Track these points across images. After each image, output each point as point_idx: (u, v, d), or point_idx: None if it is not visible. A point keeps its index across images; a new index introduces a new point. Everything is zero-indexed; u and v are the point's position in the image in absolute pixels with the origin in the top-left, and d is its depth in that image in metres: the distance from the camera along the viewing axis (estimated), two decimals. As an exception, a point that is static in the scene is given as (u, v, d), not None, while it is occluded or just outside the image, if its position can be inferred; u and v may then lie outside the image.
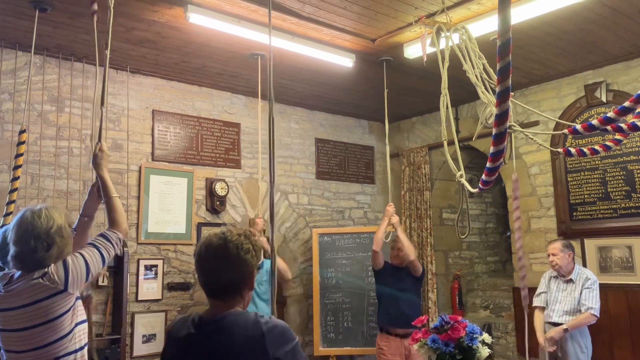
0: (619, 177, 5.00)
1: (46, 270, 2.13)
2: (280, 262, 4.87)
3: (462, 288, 6.57)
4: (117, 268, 4.62)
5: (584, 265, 5.03)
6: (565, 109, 5.34)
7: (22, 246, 2.14)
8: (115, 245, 2.33)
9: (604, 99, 5.05)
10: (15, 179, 3.49)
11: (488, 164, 2.12)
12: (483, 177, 2.19)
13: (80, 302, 2.24)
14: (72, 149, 4.60)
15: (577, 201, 5.25)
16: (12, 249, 2.16)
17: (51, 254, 2.16)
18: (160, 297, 4.94)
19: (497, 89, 1.96)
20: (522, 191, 5.70)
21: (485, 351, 2.78)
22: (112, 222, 2.40)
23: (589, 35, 4.44)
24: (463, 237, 3.34)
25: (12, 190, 3.46)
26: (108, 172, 2.53)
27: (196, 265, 1.86)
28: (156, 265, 4.96)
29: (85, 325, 2.27)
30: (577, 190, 5.25)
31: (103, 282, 4.55)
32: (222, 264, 1.80)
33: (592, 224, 5.12)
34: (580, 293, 4.27)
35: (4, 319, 2.13)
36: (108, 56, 2.72)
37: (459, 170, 2.92)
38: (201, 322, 1.78)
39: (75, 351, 2.18)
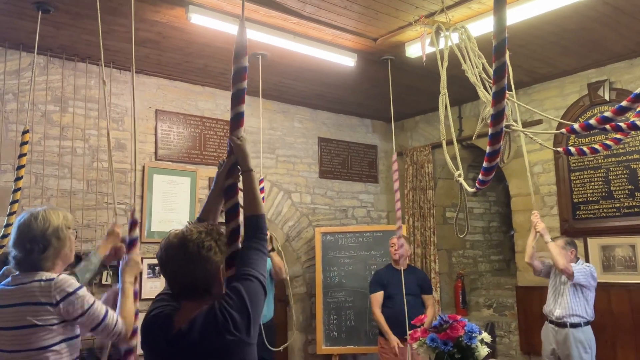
0: (622, 176, 4.98)
1: (54, 276, 2.12)
2: (276, 259, 4.85)
3: (466, 287, 6.56)
4: (120, 267, 4.65)
5: (587, 264, 5.02)
6: (568, 108, 5.33)
7: (19, 249, 2.16)
8: (114, 332, 2.19)
9: (607, 98, 5.03)
10: (18, 178, 3.51)
11: (484, 164, 2.12)
12: (480, 176, 2.20)
13: (72, 323, 2.17)
14: (76, 148, 4.63)
15: (580, 200, 5.24)
16: (12, 252, 2.18)
17: (47, 255, 2.16)
18: (163, 296, 4.96)
19: (493, 89, 1.96)
20: (525, 190, 5.68)
21: (484, 350, 2.78)
22: (122, 319, 2.29)
23: (591, 34, 4.43)
24: (461, 235, 3.34)
25: (16, 190, 3.49)
26: (133, 281, 2.42)
27: (160, 268, 1.81)
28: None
29: (76, 341, 2.21)
30: (580, 189, 5.24)
31: (106, 281, 4.57)
32: (184, 265, 1.73)
33: (595, 223, 5.11)
34: None
35: None
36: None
37: (458, 169, 2.92)
38: (171, 337, 1.73)
39: None
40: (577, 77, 5.30)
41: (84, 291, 2.14)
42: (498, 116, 1.98)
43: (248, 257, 1.85)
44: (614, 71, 5.05)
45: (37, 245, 2.14)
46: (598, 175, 5.13)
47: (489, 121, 3.00)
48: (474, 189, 2.49)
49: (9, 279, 2.20)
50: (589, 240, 5.13)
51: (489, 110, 3.05)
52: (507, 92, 3.21)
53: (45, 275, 2.13)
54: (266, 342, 4.40)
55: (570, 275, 4.20)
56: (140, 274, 4.75)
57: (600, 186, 5.11)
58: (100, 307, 2.16)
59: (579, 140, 5.23)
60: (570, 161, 5.33)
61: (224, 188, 1.99)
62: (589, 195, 5.18)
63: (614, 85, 5.03)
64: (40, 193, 4.40)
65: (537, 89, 5.62)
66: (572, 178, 5.30)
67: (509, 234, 7.08)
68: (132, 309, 2.31)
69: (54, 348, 2.10)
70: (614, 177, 5.02)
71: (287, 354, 5.91)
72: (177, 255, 1.74)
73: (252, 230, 1.92)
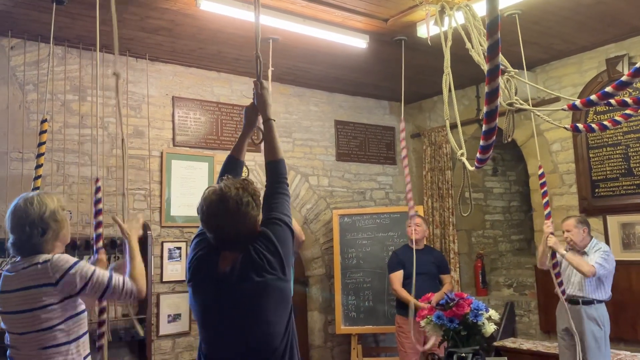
0: (643, 152, 4.89)
1: (50, 257, 2.19)
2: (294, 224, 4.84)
3: (486, 267, 6.55)
4: (141, 251, 4.76)
5: (607, 242, 4.96)
6: (586, 84, 5.24)
7: (19, 233, 2.21)
8: (124, 292, 2.28)
9: (626, 73, 4.92)
10: (38, 166, 3.62)
11: (481, 142, 2.13)
12: (477, 155, 2.21)
13: (75, 298, 2.23)
14: (95, 136, 4.74)
15: (599, 177, 5.17)
16: (10, 237, 2.25)
17: (47, 238, 2.23)
18: (184, 278, 5.07)
19: (487, 67, 1.96)
20: (543, 168, 5.62)
21: (490, 327, 2.82)
22: (132, 279, 2.38)
23: (607, 8, 4.33)
24: (465, 214, 3.36)
25: (36, 177, 3.60)
26: (137, 240, 2.59)
27: (201, 222, 1.97)
28: (180, 248, 5.11)
29: (83, 315, 2.29)
30: (599, 166, 5.16)
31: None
32: (225, 221, 1.90)
33: (615, 201, 5.04)
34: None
35: (3, 301, 2.23)
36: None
37: (461, 148, 2.93)
38: (217, 278, 1.94)
39: (69, 342, 2.21)
40: (596, 52, 5.20)
41: (81, 264, 2.21)
42: (492, 94, 1.98)
43: (273, 202, 2.04)
44: (633, 46, 4.93)
45: (36, 229, 2.20)
46: (617, 152, 5.05)
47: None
48: (474, 167, 2.50)
49: (9, 265, 2.28)
50: (609, 218, 5.07)
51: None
52: (513, 70, 3.20)
53: (43, 257, 2.20)
54: None
55: (594, 275, 4.17)
56: (162, 256, 4.95)
57: (620, 163, 5.03)
58: (102, 273, 2.23)
59: (598, 117, 5.15)
60: (589, 138, 5.25)
61: None
62: (608, 172, 5.11)
63: (633, 60, 4.91)
64: (62, 180, 4.54)
65: (554, 65, 5.53)
66: (590, 155, 5.23)
67: (530, 214, 7.02)
68: (142, 268, 2.43)
69: (60, 327, 2.18)
70: (633, 154, 4.94)
71: (307, 334, 6.02)
72: (218, 212, 1.90)
73: (273, 175, 2.12)
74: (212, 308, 1.98)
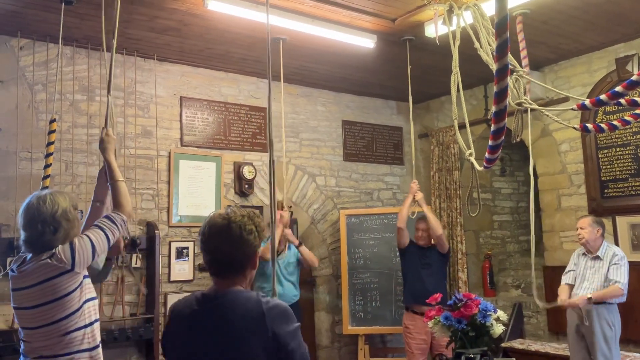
0: (652, 153, 4.86)
1: (54, 251, 2.24)
2: (306, 252, 5.01)
3: (494, 267, 6.52)
4: (149, 250, 4.80)
5: (616, 243, 4.93)
6: (595, 84, 5.21)
7: (31, 231, 2.26)
8: (119, 226, 2.44)
9: (635, 72, 4.89)
10: (47, 166, 3.64)
11: (490, 142, 2.12)
12: (486, 155, 2.20)
13: (88, 280, 2.35)
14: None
15: (608, 178, 5.13)
16: (22, 234, 2.29)
17: (58, 236, 2.27)
18: (191, 278, 5.10)
19: (495, 67, 1.95)
20: (552, 169, 5.62)
21: (499, 328, 2.80)
22: (117, 205, 2.51)
23: (616, 7, 4.30)
24: (473, 215, 3.35)
25: (45, 177, 3.63)
26: (114, 156, 2.65)
27: (200, 244, 1.91)
28: (187, 247, 5.12)
29: (95, 302, 2.38)
30: (609, 166, 5.13)
31: (136, 263, 4.72)
32: (225, 244, 1.84)
33: (624, 201, 5.01)
34: (608, 270, 4.21)
35: (17, 297, 2.28)
36: (115, 44, 2.83)
37: (469, 148, 2.92)
38: (204, 299, 1.85)
39: (85, 326, 2.29)
40: (605, 52, 5.16)
41: (75, 241, 2.29)
42: (501, 94, 1.98)
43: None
44: (643, 45, 4.90)
45: (48, 227, 2.25)
46: (627, 152, 5.01)
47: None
48: (482, 167, 2.49)
49: (16, 264, 2.32)
50: (618, 219, 5.03)
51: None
52: (521, 69, 3.19)
53: (50, 252, 2.25)
54: None
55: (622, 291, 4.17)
56: (169, 256, 4.96)
57: (629, 163, 4.99)
58: (97, 233, 2.35)
59: (608, 117, 5.11)
60: (598, 138, 5.22)
61: None
62: (617, 173, 5.07)
63: (643, 60, 4.88)
64: (70, 180, 4.56)
65: (563, 65, 5.50)
66: (599, 156, 5.20)
67: (538, 214, 6.98)
68: (124, 188, 2.55)
69: (78, 312, 2.25)
70: (643, 154, 4.91)
71: (315, 334, 6.01)
72: (220, 235, 1.85)
73: None
74: (193, 329, 1.83)
